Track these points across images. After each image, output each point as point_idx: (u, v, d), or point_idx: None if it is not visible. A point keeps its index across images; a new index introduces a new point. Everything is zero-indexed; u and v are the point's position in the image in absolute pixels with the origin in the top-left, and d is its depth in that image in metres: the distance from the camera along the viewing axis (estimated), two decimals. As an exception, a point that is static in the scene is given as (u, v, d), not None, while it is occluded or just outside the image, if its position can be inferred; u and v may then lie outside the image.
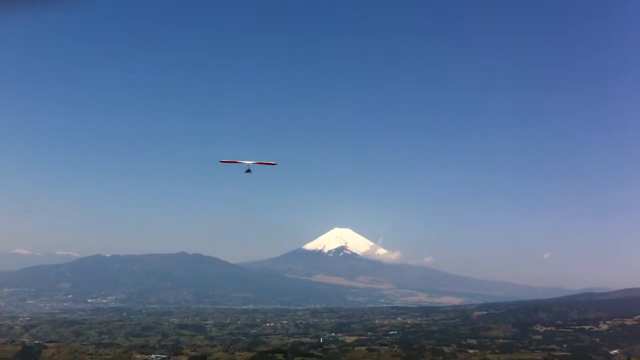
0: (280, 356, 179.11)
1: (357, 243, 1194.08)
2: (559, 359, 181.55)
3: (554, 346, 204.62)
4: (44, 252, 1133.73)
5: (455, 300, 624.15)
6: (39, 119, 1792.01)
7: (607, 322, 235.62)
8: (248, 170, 79.35)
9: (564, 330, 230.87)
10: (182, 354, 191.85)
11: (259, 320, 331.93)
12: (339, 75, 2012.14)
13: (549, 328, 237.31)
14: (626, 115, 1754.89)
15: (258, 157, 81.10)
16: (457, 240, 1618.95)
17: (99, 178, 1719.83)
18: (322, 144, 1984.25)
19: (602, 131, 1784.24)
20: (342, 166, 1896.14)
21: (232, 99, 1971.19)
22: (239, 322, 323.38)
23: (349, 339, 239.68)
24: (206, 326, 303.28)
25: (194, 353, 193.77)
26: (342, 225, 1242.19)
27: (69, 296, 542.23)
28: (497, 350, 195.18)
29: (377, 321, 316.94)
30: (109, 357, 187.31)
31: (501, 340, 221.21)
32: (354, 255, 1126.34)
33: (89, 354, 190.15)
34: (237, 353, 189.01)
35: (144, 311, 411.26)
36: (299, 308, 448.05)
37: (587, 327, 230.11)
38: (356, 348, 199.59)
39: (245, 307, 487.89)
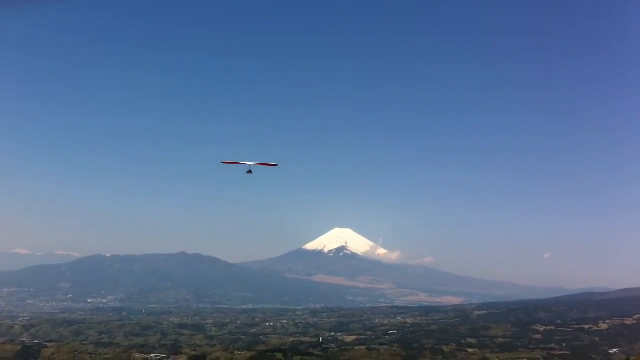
0: (279, 355, 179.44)
1: (357, 243, 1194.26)
2: (559, 358, 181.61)
3: (553, 345, 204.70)
4: (44, 252, 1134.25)
5: (456, 300, 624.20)
6: (38, 118, 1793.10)
7: (607, 321, 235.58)
8: (249, 171, 79.33)
9: (564, 329, 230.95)
10: (181, 354, 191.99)
11: (258, 320, 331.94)
12: (338, 75, 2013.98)
13: (548, 327, 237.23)
14: (625, 115, 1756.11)
15: (258, 157, 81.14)
16: (457, 240, 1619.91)
17: (99, 178, 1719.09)
18: (322, 144, 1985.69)
19: (601, 131, 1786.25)
20: (342, 166, 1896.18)
21: (232, 99, 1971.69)
22: (238, 322, 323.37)
23: (349, 339, 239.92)
24: (206, 326, 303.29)
25: (193, 352, 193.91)
26: (342, 225, 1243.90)
27: (69, 296, 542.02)
28: (496, 350, 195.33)
29: (376, 321, 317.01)
30: (109, 356, 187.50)
31: (501, 339, 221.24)
32: (354, 255, 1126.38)
33: (88, 354, 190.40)
34: (236, 352, 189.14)
35: (143, 311, 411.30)
36: (298, 308, 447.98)
37: (586, 327, 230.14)
38: (356, 347, 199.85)
39: (245, 306, 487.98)
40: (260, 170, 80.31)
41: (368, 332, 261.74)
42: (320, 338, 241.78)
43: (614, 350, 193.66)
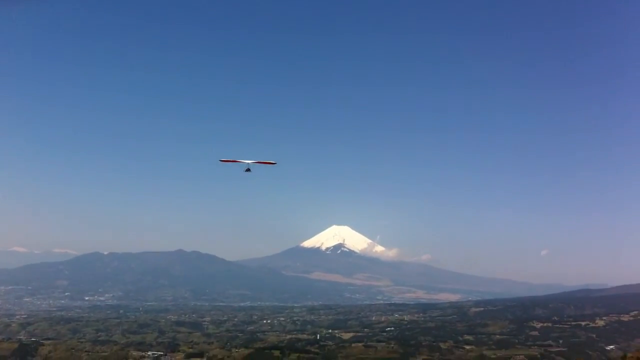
0: (277, 353, 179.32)
1: (354, 240, 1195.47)
2: (556, 355, 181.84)
3: (550, 342, 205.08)
4: (41, 250, 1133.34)
5: (453, 297, 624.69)
6: (36, 117, 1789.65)
7: (604, 318, 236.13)
8: (248, 169, 79.41)
9: (561, 326, 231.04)
10: (179, 351, 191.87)
11: (256, 317, 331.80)
12: (336, 74, 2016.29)
13: (545, 324, 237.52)
14: (623, 114, 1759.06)
15: (256, 155, 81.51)
16: (455, 238, 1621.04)
17: (97, 176, 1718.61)
18: (320, 142, 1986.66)
19: (598, 129, 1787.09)
20: (340, 164, 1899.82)
21: (230, 97, 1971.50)
22: (236, 319, 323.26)
23: (346, 336, 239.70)
24: (203, 323, 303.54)
25: (190, 350, 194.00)
26: (340, 222, 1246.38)
27: (66, 294, 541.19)
28: (493, 347, 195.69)
29: (374, 318, 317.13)
30: (106, 354, 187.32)
31: (498, 336, 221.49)
32: (351, 253, 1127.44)
33: (85, 352, 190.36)
34: (234, 350, 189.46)
35: (141, 309, 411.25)
36: (296, 305, 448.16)
37: (583, 323, 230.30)
38: (353, 345, 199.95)
39: (242, 304, 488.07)
40: (258, 168, 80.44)
41: (365, 330, 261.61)
42: (318, 335, 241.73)
43: (611, 346, 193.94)
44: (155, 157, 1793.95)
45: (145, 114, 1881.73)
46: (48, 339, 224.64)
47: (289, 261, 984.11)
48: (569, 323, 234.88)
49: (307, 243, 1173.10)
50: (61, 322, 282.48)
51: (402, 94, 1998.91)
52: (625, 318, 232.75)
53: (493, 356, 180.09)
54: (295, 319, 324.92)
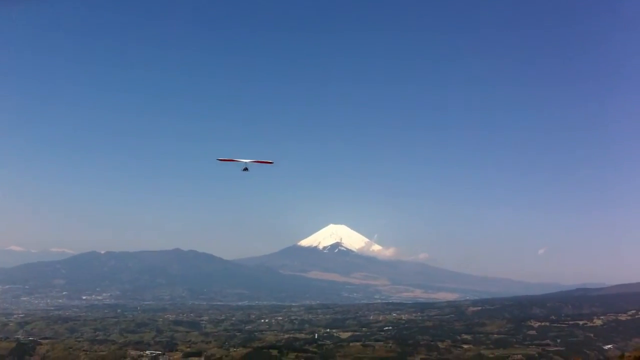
0: (275, 352, 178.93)
1: (352, 239, 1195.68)
2: (553, 354, 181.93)
3: (548, 341, 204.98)
4: (38, 249, 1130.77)
5: (451, 296, 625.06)
6: (34, 116, 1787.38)
7: (601, 317, 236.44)
8: (245, 169, 79.26)
9: (558, 325, 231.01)
10: (176, 350, 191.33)
11: (253, 317, 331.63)
12: (334, 72, 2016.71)
13: (543, 323, 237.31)
14: (620, 112, 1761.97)
15: (253, 153, 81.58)
16: (452, 237, 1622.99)
17: (94, 175, 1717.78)
18: (318, 140, 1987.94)
19: (596, 127, 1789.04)
20: (337, 163, 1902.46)
21: (226, 96, 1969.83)
22: (233, 319, 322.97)
23: (344, 335, 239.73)
24: (201, 322, 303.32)
25: (188, 349, 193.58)
26: (337, 221, 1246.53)
27: (64, 293, 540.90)
28: (491, 346, 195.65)
29: (372, 317, 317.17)
30: (104, 353, 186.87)
31: (495, 335, 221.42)
32: (349, 252, 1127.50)
33: (83, 351, 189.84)
34: (231, 349, 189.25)
35: (138, 308, 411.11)
36: (293, 304, 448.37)
37: (581, 323, 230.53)
38: (351, 344, 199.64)
39: (240, 303, 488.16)
40: (255, 167, 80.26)
41: (363, 329, 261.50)
42: (316, 334, 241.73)
43: (609, 346, 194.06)
44: (152, 156, 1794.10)
45: (143, 112, 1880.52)
46: (46, 338, 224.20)
47: (286, 260, 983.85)
48: (567, 322, 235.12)
49: (305, 242, 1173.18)
50: (59, 322, 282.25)
51: (400, 91, 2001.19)
52: (622, 317, 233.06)
53: (491, 355, 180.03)
54: (293, 318, 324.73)
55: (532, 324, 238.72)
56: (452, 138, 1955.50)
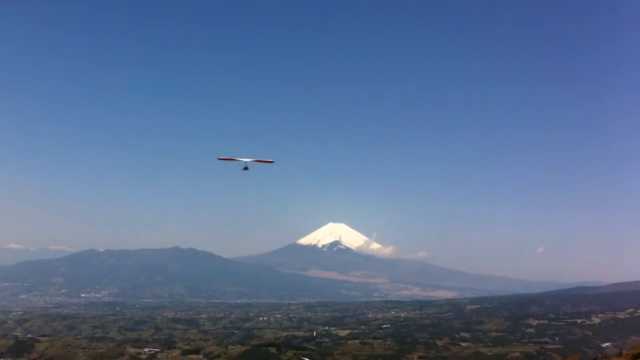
0: (273, 350, 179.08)
1: (351, 238, 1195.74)
2: (551, 352, 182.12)
3: (546, 339, 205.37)
4: (37, 247, 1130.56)
5: (449, 294, 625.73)
6: (33, 114, 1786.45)
7: (600, 315, 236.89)
8: (245, 168, 79.10)
9: (557, 323, 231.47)
10: (175, 348, 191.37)
11: (252, 314, 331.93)
12: (334, 71, 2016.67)
13: (541, 321, 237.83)
14: (620, 112, 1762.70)
15: (253, 152, 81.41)
16: (451, 235, 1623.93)
17: (94, 173, 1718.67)
18: (317, 139, 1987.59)
19: (594, 127, 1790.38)
20: (337, 162, 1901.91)
21: (226, 94, 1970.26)
22: (232, 316, 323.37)
23: (343, 333, 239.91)
24: (200, 320, 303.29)
25: (187, 347, 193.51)
26: (336, 220, 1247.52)
27: (63, 291, 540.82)
28: (489, 344, 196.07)
29: (370, 315, 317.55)
30: (102, 351, 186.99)
31: (494, 333, 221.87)
32: (348, 250, 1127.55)
33: (82, 348, 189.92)
34: (230, 347, 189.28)
35: (137, 305, 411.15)
36: (292, 302, 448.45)
37: (579, 321, 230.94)
38: (349, 341, 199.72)
39: (239, 301, 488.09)
40: (255, 166, 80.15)
41: (362, 327, 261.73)
42: (314, 332, 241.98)
43: (607, 344, 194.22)
44: (152, 154, 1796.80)
45: (144, 110, 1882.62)
46: (44, 335, 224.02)
47: (285, 258, 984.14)
48: (565, 320, 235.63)
49: (304, 240, 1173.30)
50: (57, 319, 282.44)
51: (400, 90, 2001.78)
52: (620, 315, 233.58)
53: (489, 353, 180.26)
54: (291, 316, 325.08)
55: (531, 322, 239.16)
56: (451, 137, 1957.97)
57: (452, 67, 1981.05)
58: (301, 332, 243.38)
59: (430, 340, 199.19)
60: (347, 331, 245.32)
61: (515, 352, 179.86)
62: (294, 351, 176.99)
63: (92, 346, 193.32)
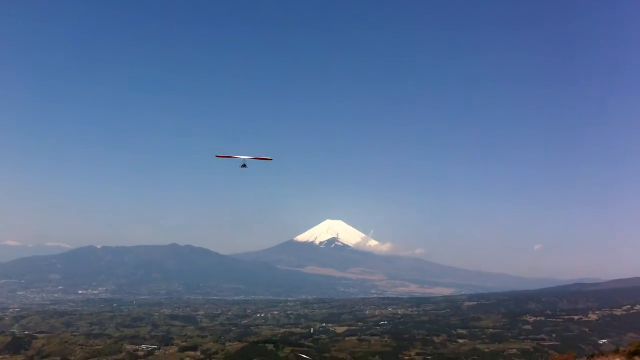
0: (270, 346, 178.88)
1: (348, 234, 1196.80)
2: (548, 349, 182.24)
3: (543, 336, 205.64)
4: (34, 244, 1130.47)
5: (446, 291, 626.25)
6: (30, 111, 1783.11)
7: (596, 312, 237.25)
8: (243, 165, 78.60)
9: (554, 320, 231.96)
10: (172, 345, 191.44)
11: (249, 311, 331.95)
12: (331, 69, 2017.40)
13: (538, 318, 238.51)
14: (619, 111, 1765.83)
15: (250, 149, 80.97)
16: (448, 232, 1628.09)
17: (91, 170, 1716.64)
18: (315, 136, 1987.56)
19: (593, 125, 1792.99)
20: (334, 159, 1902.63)
21: (224, 92, 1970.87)
22: (229, 313, 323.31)
23: (340, 329, 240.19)
24: (197, 317, 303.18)
25: (184, 343, 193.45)
26: (333, 217, 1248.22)
27: (60, 287, 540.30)
28: (486, 340, 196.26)
29: (367, 312, 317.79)
30: (99, 347, 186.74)
31: (491, 330, 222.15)
32: (345, 247, 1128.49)
33: (79, 345, 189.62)
34: (227, 343, 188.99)
35: (134, 302, 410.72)
36: (290, 299, 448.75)
37: (576, 317, 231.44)
38: (347, 338, 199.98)
39: (236, 297, 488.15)
40: (252, 163, 79.81)
41: (359, 323, 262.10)
42: (312, 329, 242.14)
43: (603, 340, 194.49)
44: (150, 151, 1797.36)
45: (142, 108, 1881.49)
46: (41, 332, 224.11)
47: (282, 255, 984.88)
48: (562, 317, 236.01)
49: (301, 237, 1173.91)
50: (54, 316, 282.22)
51: (399, 88, 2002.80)
52: (617, 312, 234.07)
53: (486, 350, 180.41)
54: (289, 312, 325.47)
55: (528, 318, 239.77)
56: (449, 134, 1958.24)
57: (451, 66, 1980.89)
58: (298, 329, 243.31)
59: (428, 337, 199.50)
60: (345, 328, 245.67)
61: (512, 348, 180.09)
62: (291, 348, 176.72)
63: (90, 343, 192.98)
